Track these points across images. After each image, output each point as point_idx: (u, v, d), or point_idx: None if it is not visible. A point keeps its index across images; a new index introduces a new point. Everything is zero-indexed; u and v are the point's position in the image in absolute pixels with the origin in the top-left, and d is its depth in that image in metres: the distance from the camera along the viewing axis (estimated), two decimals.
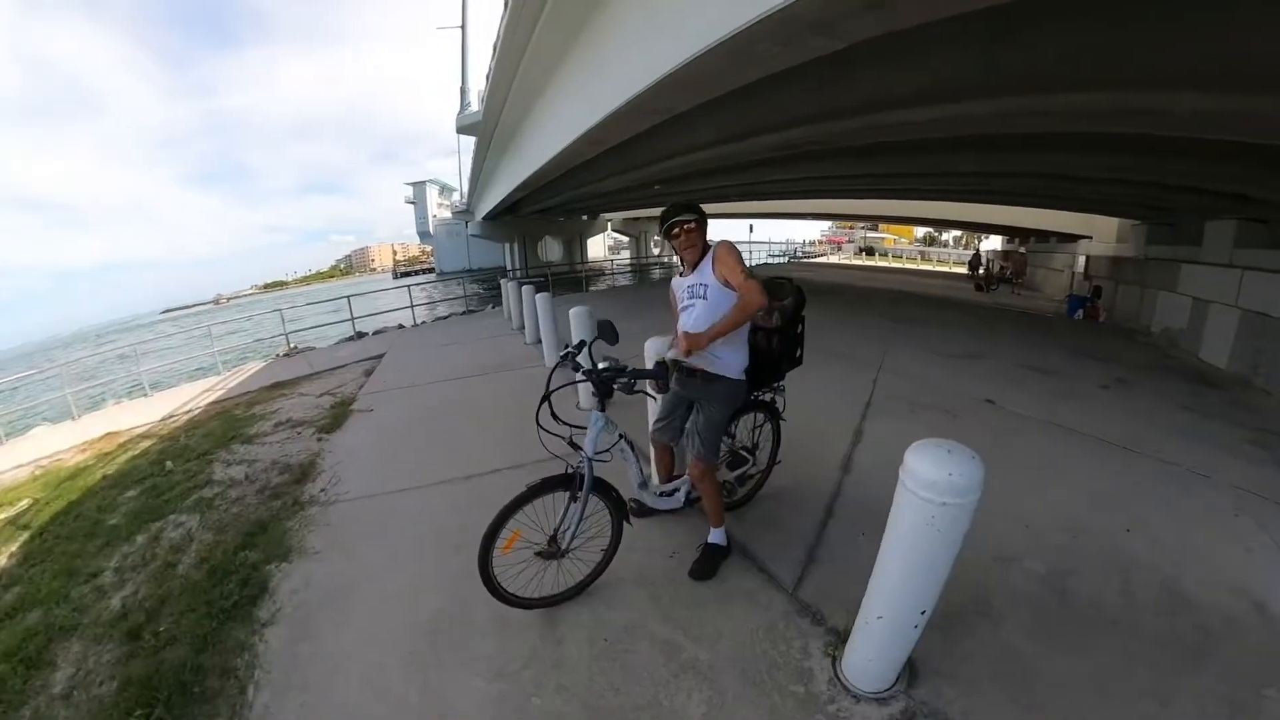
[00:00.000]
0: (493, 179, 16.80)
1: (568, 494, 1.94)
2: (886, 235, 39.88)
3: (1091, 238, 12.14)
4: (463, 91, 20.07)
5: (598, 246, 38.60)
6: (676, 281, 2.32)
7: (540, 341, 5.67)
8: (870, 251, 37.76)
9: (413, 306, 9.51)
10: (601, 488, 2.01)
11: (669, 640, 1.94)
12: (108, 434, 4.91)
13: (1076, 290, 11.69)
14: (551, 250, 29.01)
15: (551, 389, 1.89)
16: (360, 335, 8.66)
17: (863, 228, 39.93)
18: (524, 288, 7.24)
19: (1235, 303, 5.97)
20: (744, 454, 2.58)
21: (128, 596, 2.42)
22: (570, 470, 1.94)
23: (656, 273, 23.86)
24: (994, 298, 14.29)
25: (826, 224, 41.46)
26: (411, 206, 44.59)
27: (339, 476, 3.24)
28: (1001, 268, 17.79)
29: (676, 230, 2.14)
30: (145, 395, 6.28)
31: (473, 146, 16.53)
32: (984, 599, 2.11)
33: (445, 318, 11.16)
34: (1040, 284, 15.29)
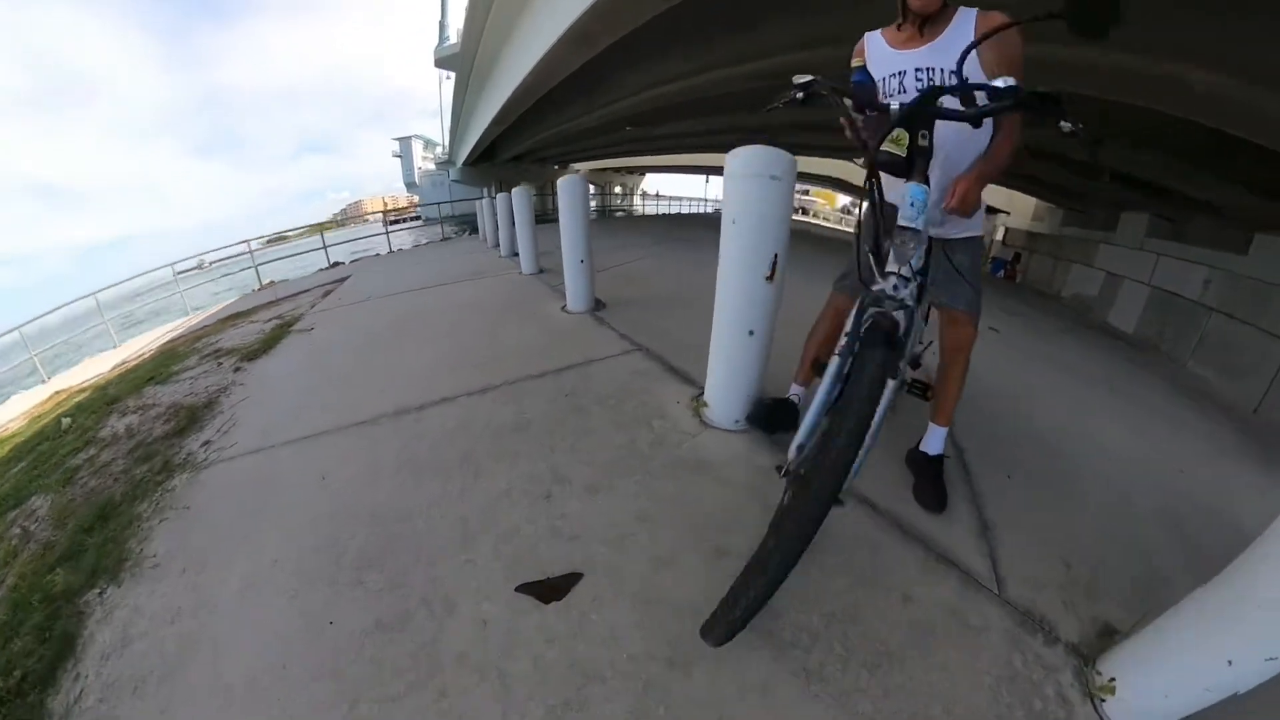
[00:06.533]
0: (472, 117, 16.94)
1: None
2: (818, 200, 41.60)
3: (1010, 213, 13.17)
4: (442, 25, 21.00)
5: None
6: (885, 52, 1.29)
7: (516, 254, 5.27)
8: (805, 211, 39.41)
9: (388, 233, 9.23)
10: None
11: None
12: (54, 394, 4.78)
13: (997, 254, 12.88)
14: None
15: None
16: (336, 265, 8.64)
17: (799, 191, 41.07)
18: (499, 195, 6.44)
19: (1149, 281, 6.72)
20: None
21: None
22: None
23: (619, 215, 27.46)
24: None
25: None
26: (398, 160, 46.72)
27: (235, 420, 2.56)
28: None
29: None
30: (114, 347, 6.10)
31: (451, 90, 17.15)
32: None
33: (424, 244, 10.92)
34: None
